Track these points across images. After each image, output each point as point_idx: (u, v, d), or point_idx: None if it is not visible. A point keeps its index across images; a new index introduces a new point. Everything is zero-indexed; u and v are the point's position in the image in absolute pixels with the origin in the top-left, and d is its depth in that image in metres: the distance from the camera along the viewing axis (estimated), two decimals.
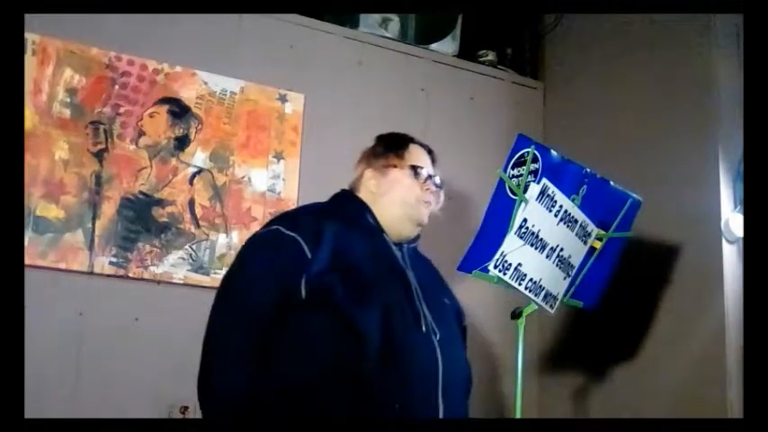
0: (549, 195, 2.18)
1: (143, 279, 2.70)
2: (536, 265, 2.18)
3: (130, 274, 2.68)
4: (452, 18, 3.43)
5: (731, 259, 2.72)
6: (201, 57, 2.91)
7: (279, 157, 2.98)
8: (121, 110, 2.75)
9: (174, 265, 2.75)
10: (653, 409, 2.79)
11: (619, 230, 2.42)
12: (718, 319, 2.66)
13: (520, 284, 2.15)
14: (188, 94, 2.86)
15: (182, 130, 2.84)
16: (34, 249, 2.55)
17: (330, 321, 1.70)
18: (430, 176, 1.97)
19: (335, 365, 1.69)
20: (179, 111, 2.84)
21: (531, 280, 2.17)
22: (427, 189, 1.96)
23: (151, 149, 2.78)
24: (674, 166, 2.91)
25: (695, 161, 2.84)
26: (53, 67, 2.67)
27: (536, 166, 2.25)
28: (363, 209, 1.92)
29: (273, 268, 1.76)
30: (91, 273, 2.63)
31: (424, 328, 1.79)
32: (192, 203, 2.81)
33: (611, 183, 2.43)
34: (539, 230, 2.16)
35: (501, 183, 2.22)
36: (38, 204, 2.58)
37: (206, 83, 2.90)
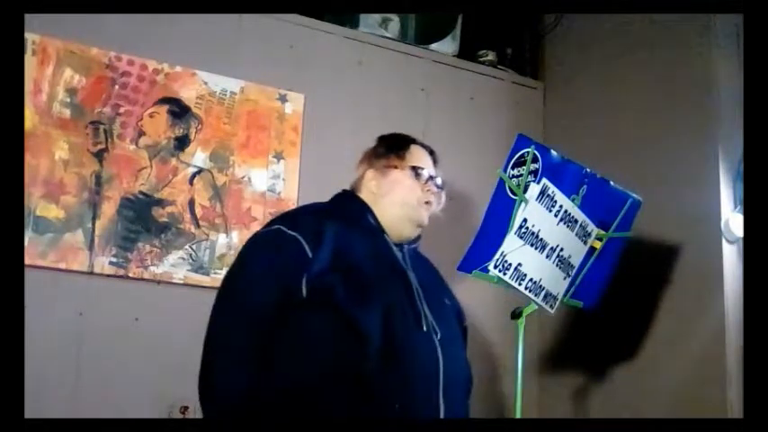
0: (549, 195, 2.18)
1: (143, 279, 2.70)
2: (536, 265, 2.18)
3: (130, 274, 2.68)
4: (452, 18, 3.43)
5: (731, 259, 2.72)
6: (201, 57, 2.91)
7: (279, 157, 2.98)
8: (121, 110, 2.75)
9: (174, 265, 2.75)
10: (653, 409, 2.79)
11: (619, 230, 2.42)
12: (718, 319, 2.66)
13: (520, 284, 2.15)
14: (188, 94, 2.86)
15: (182, 130, 2.84)
16: (34, 249, 2.55)
17: (331, 321, 1.70)
18: (431, 177, 1.97)
19: (336, 365, 1.69)
20: (179, 111, 2.84)
21: (531, 280, 2.17)
22: (428, 190, 1.96)
23: (151, 149, 2.78)
24: (674, 166, 2.91)
25: (695, 161, 2.84)
26: (53, 67, 2.67)
27: (536, 166, 2.25)
28: (364, 209, 1.93)
29: (274, 268, 1.76)
30: (91, 273, 2.63)
31: (425, 328, 1.79)
32: (191, 203, 2.81)
33: (611, 183, 2.43)
34: (539, 230, 2.16)
35: (501, 183, 2.22)
36: (38, 204, 2.58)
37: (206, 83, 2.90)
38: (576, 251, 2.30)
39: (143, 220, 2.72)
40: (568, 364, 3.19)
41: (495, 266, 2.08)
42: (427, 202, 1.96)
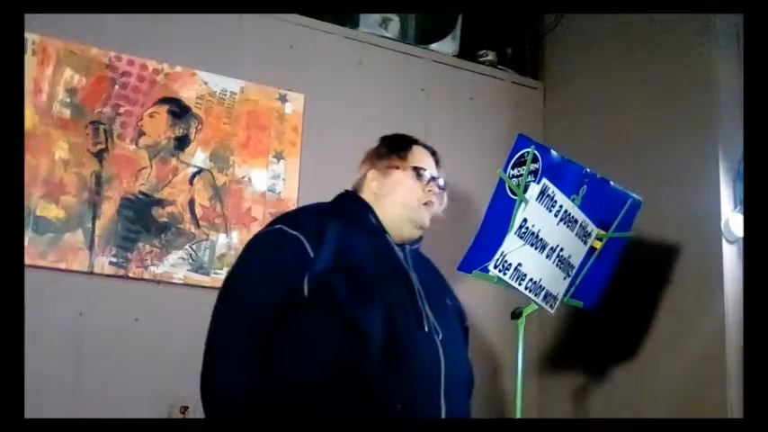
0: (549, 195, 2.18)
1: (143, 279, 2.70)
2: (536, 265, 2.18)
3: (130, 274, 2.68)
4: (452, 18, 3.43)
5: (731, 259, 2.72)
6: (201, 57, 2.91)
7: (279, 157, 2.98)
8: (121, 110, 2.75)
9: (174, 265, 2.75)
10: (653, 409, 2.79)
11: (619, 230, 2.42)
12: (718, 319, 2.66)
13: (520, 284, 2.15)
14: (188, 94, 2.86)
15: (182, 130, 2.84)
16: (34, 249, 2.55)
17: (332, 321, 1.71)
18: (433, 178, 1.97)
19: (337, 365, 1.69)
20: (179, 111, 2.84)
21: (531, 280, 2.17)
22: (429, 191, 1.96)
23: (151, 149, 2.78)
24: (674, 166, 2.91)
25: (695, 161, 2.84)
26: (53, 67, 2.67)
27: (536, 166, 2.25)
28: (366, 209, 1.93)
29: (276, 267, 1.76)
30: (91, 273, 2.62)
31: (426, 328, 1.79)
32: (192, 203, 2.81)
33: (611, 183, 2.43)
34: (539, 230, 2.16)
35: (501, 183, 2.22)
36: (38, 204, 2.58)
37: (206, 83, 2.90)
38: (575, 251, 2.30)
39: (143, 220, 2.72)
40: (568, 364, 3.19)
41: (495, 266, 2.08)
42: (428, 203, 1.96)
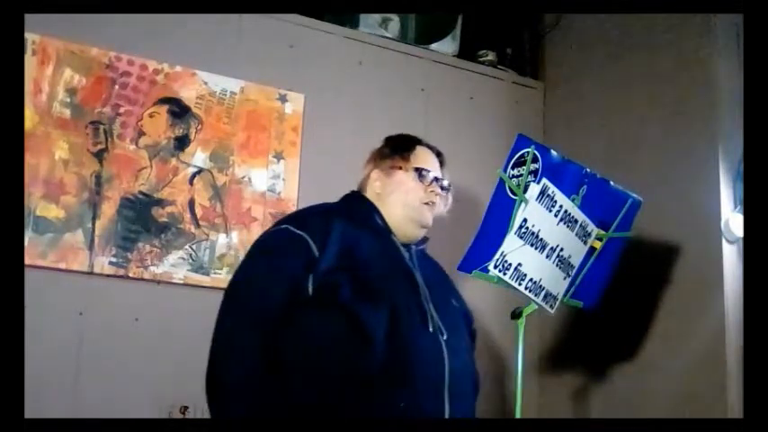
0: (549, 195, 2.18)
1: (143, 279, 2.70)
2: (536, 265, 2.18)
3: (130, 274, 2.68)
4: (452, 18, 3.42)
5: (731, 259, 2.72)
6: (201, 57, 2.91)
7: (279, 157, 2.98)
8: (121, 110, 2.75)
9: (174, 265, 2.75)
10: (653, 409, 2.79)
11: (619, 230, 2.42)
12: (718, 319, 2.66)
13: (520, 284, 2.15)
14: (188, 94, 2.86)
15: (182, 130, 2.84)
16: (34, 249, 2.55)
17: (336, 320, 1.71)
18: (436, 179, 1.97)
19: (341, 364, 1.70)
20: (179, 111, 2.84)
21: (531, 280, 2.17)
22: (431, 191, 1.96)
23: (151, 149, 2.78)
24: (674, 166, 2.91)
25: (695, 161, 2.84)
26: (53, 67, 2.67)
27: (536, 166, 2.25)
28: (372, 210, 1.93)
29: (281, 267, 1.77)
30: (91, 273, 2.62)
31: (431, 329, 1.80)
32: (192, 203, 2.81)
33: (611, 183, 2.43)
34: (539, 230, 2.16)
35: (501, 183, 2.22)
36: (38, 204, 2.58)
37: (206, 83, 2.90)
38: (576, 251, 2.30)
39: (143, 220, 2.72)
40: (568, 364, 3.19)
41: (495, 266, 2.08)
42: (430, 203, 1.96)
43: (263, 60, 3.02)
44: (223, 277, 2.76)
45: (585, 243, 2.33)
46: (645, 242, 2.79)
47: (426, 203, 1.95)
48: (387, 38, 3.30)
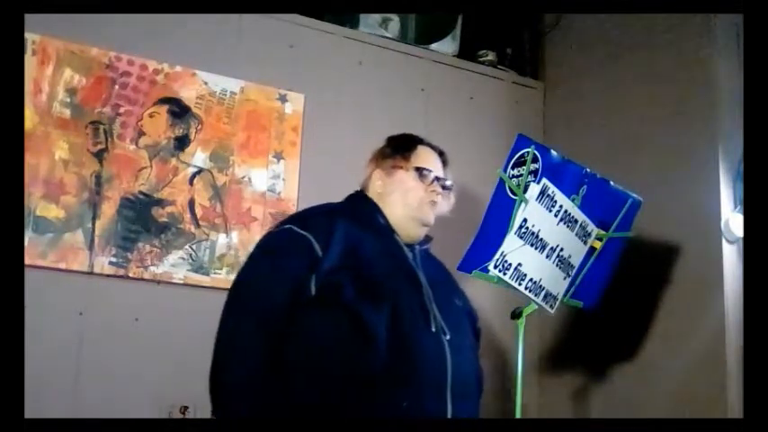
0: (549, 195, 2.18)
1: (143, 279, 2.70)
2: (536, 265, 2.18)
3: (130, 274, 2.68)
4: (452, 18, 3.43)
5: (731, 259, 2.72)
6: (201, 57, 2.91)
7: (279, 157, 2.98)
8: (121, 110, 2.75)
9: (174, 265, 2.75)
10: (653, 409, 2.79)
11: (619, 230, 2.42)
12: (718, 319, 2.66)
13: (520, 284, 2.15)
14: (188, 94, 2.86)
15: (182, 130, 2.84)
16: (34, 249, 2.55)
17: (339, 320, 1.71)
18: (437, 178, 1.97)
19: (344, 363, 1.70)
20: (179, 111, 2.84)
21: (531, 280, 2.17)
22: (432, 191, 1.96)
23: (151, 149, 2.78)
24: (674, 166, 2.91)
25: (695, 161, 2.84)
26: (53, 67, 2.67)
27: (536, 166, 2.25)
28: (374, 209, 1.94)
29: (284, 267, 1.77)
30: (91, 273, 2.62)
31: (433, 328, 1.80)
32: (192, 203, 2.81)
33: (611, 183, 2.43)
34: (539, 230, 2.16)
35: (501, 183, 2.22)
36: (38, 204, 2.58)
37: (206, 83, 2.90)
38: (576, 251, 2.30)
39: (143, 220, 2.72)
40: (568, 364, 3.19)
41: (495, 266, 2.08)
42: (432, 203, 1.96)
43: (263, 60, 3.02)
44: (223, 277, 2.76)
45: (585, 243, 2.33)
46: (645, 242, 2.79)
47: (427, 203, 1.95)
48: (387, 38, 3.30)
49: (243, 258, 2.74)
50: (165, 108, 2.82)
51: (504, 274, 2.10)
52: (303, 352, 1.72)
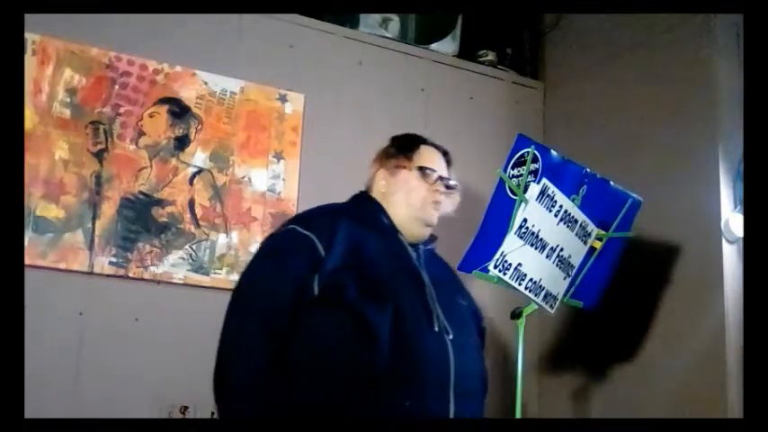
0: (549, 195, 2.18)
1: (143, 279, 2.70)
2: (536, 265, 2.18)
3: (130, 274, 2.68)
4: (452, 18, 3.43)
5: (731, 259, 2.72)
6: (201, 57, 2.91)
7: (279, 157, 2.98)
8: (121, 110, 2.75)
9: (174, 265, 2.75)
10: (653, 409, 2.79)
11: (619, 230, 2.42)
12: (718, 319, 2.66)
13: (520, 284, 2.15)
14: (188, 94, 2.86)
15: (182, 130, 2.84)
16: (34, 249, 2.55)
17: (342, 319, 1.71)
18: (441, 178, 1.97)
19: (347, 363, 1.70)
20: (179, 111, 2.84)
21: (531, 280, 2.17)
22: (435, 190, 1.96)
23: (151, 149, 2.78)
24: (674, 166, 2.91)
25: (695, 161, 2.84)
26: (53, 67, 2.67)
27: (536, 166, 2.25)
28: (378, 209, 1.94)
29: (287, 267, 1.77)
30: (91, 273, 2.63)
31: (436, 328, 1.79)
32: (192, 203, 2.81)
33: (611, 183, 2.43)
34: (539, 230, 2.16)
35: (501, 183, 2.22)
36: (38, 204, 2.58)
37: (206, 83, 2.90)
38: (576, 251, 2.30)
39: (143, 220, 2.72)
40: (568, 364, 3.19)
41: (495, 266, 2.08)
42: (435, 202, 1.96)
43: (263, 60, 3.02)
44: (223, 277, 2.76)
45: (585, 243, 2.33)
46: (645, 242, 2.79)
47: (430, 202, 1.95)
48: (387, 38, 3.30)
49: (243, 258, 2.76)
50: (165, 108, 2.82)
51: (504, 274, 2.10)
52: (306, 352, 1.72)
